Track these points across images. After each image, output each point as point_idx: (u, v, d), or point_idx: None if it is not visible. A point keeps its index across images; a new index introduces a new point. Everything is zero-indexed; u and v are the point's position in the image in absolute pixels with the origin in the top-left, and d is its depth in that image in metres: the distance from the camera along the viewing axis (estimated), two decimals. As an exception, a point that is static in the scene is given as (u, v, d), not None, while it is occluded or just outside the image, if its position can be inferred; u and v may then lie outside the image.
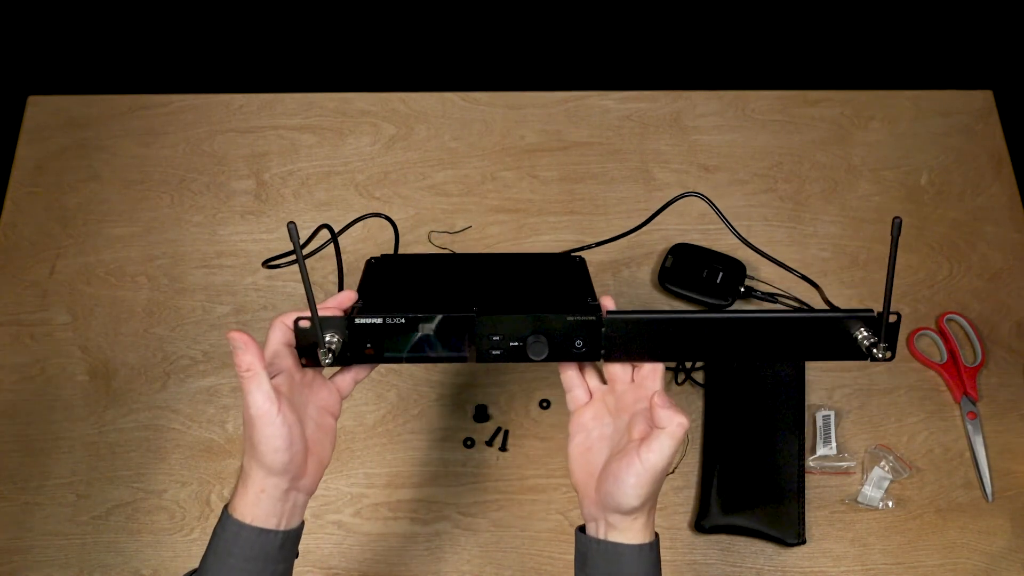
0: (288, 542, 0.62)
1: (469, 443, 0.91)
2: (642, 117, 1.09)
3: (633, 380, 0.67)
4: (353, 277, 0.79)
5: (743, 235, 1.02)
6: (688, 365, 0.95)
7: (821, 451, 0.91)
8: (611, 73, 1.79)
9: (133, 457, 0.90)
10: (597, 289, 0.98)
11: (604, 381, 0.69)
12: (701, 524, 0.87)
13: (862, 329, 0.66)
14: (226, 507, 0.61)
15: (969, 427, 0.92)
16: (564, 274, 0.75)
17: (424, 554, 0.86)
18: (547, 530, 0.87)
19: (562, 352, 0.65)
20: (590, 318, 0.64)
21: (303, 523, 0.64)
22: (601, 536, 0.63)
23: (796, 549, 0.87)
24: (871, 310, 0.66)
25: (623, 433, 0.65)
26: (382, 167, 1.05)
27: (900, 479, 0.90)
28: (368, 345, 0.64)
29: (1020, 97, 1.46)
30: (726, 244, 1.01)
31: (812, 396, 0.94)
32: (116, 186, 1.03)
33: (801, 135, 1.08)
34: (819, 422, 0.92)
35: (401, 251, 1.00)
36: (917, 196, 1.05)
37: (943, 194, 1.05)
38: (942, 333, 0.97)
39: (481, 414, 0.92)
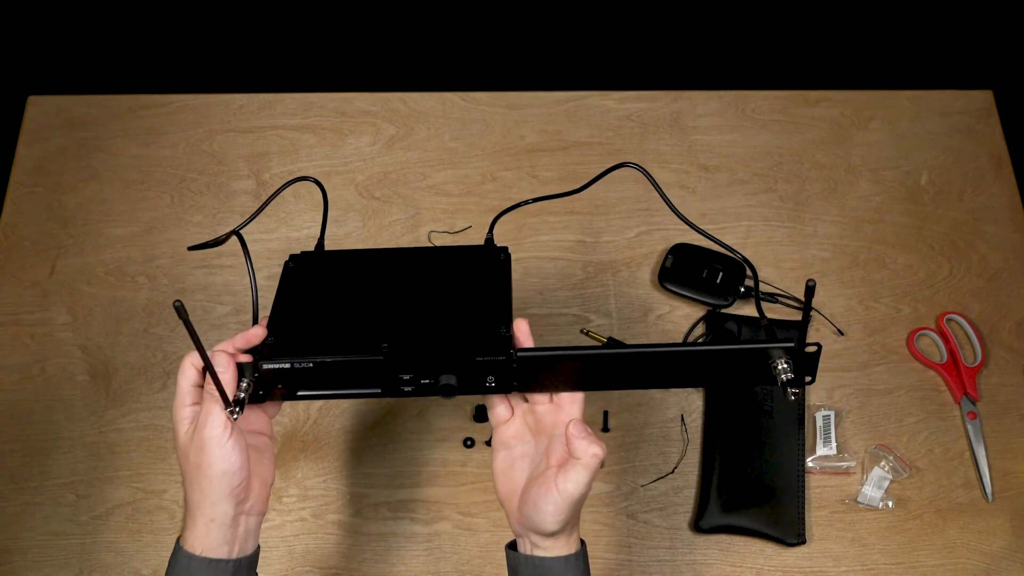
0: (241, 570, 0.63)
1: (469, 443, 0.91)
2: (642, 117, 1.09)
3: (552, 401, 0.66)
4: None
5: (744, 236, 1.02)
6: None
7: (821, 451, 0.91)
8: (611, 73, 1.79)
9: (133, 457, 0.90)
10: (584, 291, 0.98)
11: (526, 399, 0.68)
12: (701, 524, 0.87)
13: (782, 361, 0.63)
14: (178, 540, 0.62)
15: (969, 427, 0.92)
16: (484, 282, 0.71)
17: (424, 554, 0.86)
18: (547, 530, 0.87)
19: (473, 387, 0.64)
20: (499, 358, 0.63)
21: (258, 547, 0.65)
22: (528, 552, 0.64)
23: (796, 549, 0.87)
24: (790, 340, 0.62)
25: (542, 455, 0.65)
26: (382, 167, 1.05)
27: (900, 479, 0.90)
28: (279, 385, 0.64)
29: (1020, 97, 1.46)
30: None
31: (812, 396, 0.94)
32: (116, 186, 1.03)
33: (801, 135, 1.08)
34: (819, 422, 0.92)
35: (403, 243, 1.00)
36: (917, 196, 1.05)
37: (943, 194, 1.05)
38: (942, 333, 0.97)
39: (481, 414, 0.92)
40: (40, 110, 1.07)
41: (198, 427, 0.61)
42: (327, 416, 0.92)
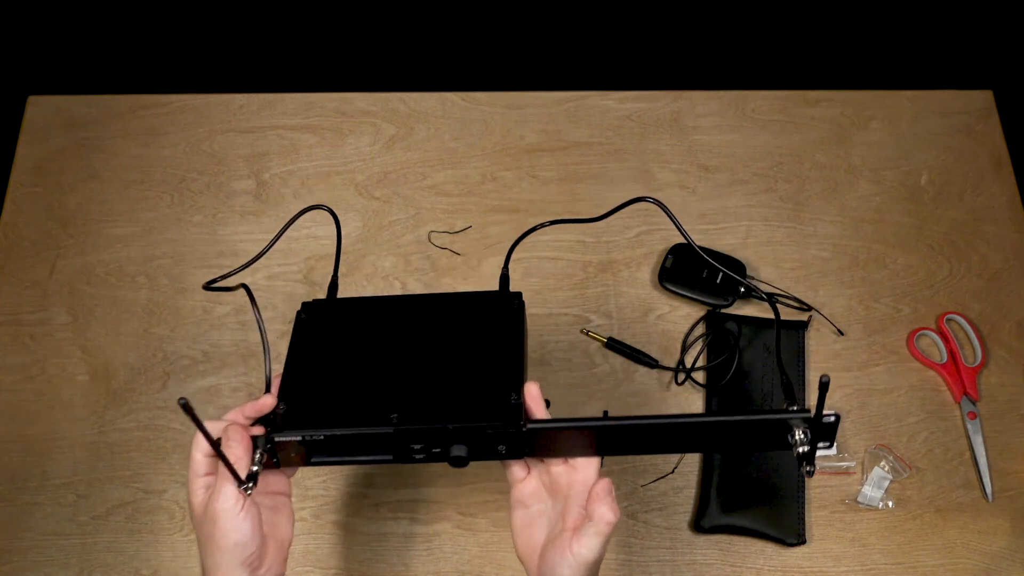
0: None
1: (469, 443, 0.91)
2: (642, 117, 1.09)
3: (567, 462, 0.65)
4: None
5: (744, 236, 1.02)
6: (688, 365, 0.95)
7: (821, 451, 0.91)
8: (611, 73, 1.79)
9: (133, 457, 0.90)
10: (584, 291, 0.98)
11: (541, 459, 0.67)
12: (701, 524, 0.87)
13: (800, 431, 0.62)
14: None
15: (969, 427, 0.92)
16: (496, 337, 0.69)
17: (424, 554, 0.86)
18: (547, 530, 0.87)
19: (485, 454, 0.64)
20: (510, 430, 0.62)
21: None
22: None
23: (796, 549, 0.87)
24: (808, 410, 0.61)
25: (559, 516, 0.64)
26: (382, 167, 1.05)
27: (900, 479, 0.90)
28: (293, 453, 0.64)
29: (1020, 97, 1.46)
30: (726, 244, 1.01)
31: (812, 396, 0.94)
32: (116, 186, 1.03)
33: (801, 135, 1.08)
34: (819, 422, 0.92)
35: (403, 243, 1.00)
36: (917, 196, 1.05)
37: (943, 194, 1.05)
38: (942, 333, 0.97)
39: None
40: (40, 110, 1.07)
41: (211, 499, 0.60)
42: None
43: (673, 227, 1.02)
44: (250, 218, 1.02)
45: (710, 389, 0.93)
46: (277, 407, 0.65)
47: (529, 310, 0.97)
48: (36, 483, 0.89)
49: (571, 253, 1.01)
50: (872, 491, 0.89)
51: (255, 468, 0.61)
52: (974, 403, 0.93)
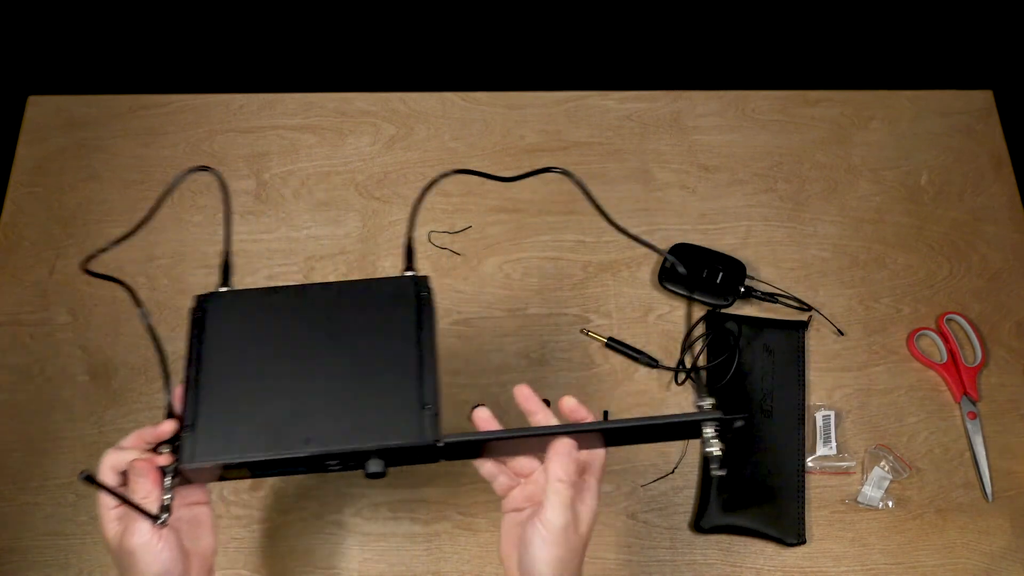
0: None
1: (469, 443, 0.91)
2: (642, 117, 1.09)
3: (543, 464, 0.64)
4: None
5: (744, 236, 1.02)
6: (688, 365, 0.95)
7: (821, 451, 0.91)
8: (611, 73, 1.79)
9: (133, 457, 0.90)
10: (584, 291, 0.98)
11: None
12: (701, 524, 0.87)
13: (711, 427, 0.63)
14: None
15: (969, 427, 0.92)
16: (405, 335, 0.65)
17: (424, 554, 0.86)
18: (547, 530, 0.87)
19: (402, 461, 0.62)
20: (425, 444, 0.61)
21: None
22: None
23: (796, 549, 0.87)
24: (717, 413, 0.63)
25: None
26: (382, 167, 1.05)
27: (900, 479, 0.90)
28: (205, 474, 0.62)
29: (1020, 97, 1.46)
30: (726, 244, 1.01)
31: (812, 396, 0.94)
32: (116, 186, 1.03)
33: (801, 135, 1.08)
34: (819, 422, 0.92)
35: (398, 247, 1.00)
36: (917, 196, 1.05)
37: (943, 194, 1.05)
38: (942, 333, 0.97)
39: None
40: (40, 110, 1.07)
41: (125, 535, 0.58)
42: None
43: (673, 227, 1.02)
44: (250, 218, 1.02)
45: (710, 389, 0.93)
46: (181, 430, 0.61)
47: (529, 310, 0.98)
48: (36, 483, 0.89)
49: (571, 253, 1.01)
50: (872, 491, 0.89)
51: (167, 498, 0.59)
52: (974, 403, 0.93)
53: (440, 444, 0.61)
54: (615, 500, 0.89)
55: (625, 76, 1.78)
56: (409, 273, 0.69)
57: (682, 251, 0.99)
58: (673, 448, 0.91)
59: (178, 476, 0.60)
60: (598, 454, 0.66)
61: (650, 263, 1.00)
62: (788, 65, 1.80)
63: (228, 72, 1.77)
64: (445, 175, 0.74)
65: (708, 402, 0.64)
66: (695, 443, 0.92)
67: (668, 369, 0.95)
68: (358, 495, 0.89)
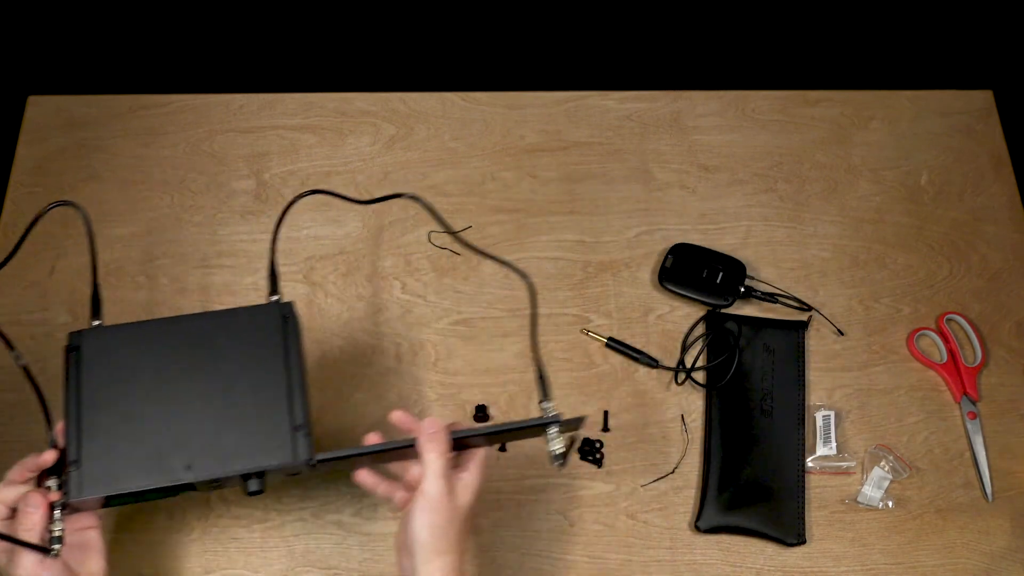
0: None
1: (469, 443, 0.91)
2: (642, 117, 1.09)
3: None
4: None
5: (744, 236, 1.02)
6: (688, 365, 0.95)
7: (821, 451, 0.91)
8: (611, 73, 1.79)
9: (133, 457, 0.90)
10: (584, 291, 0.98)
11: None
12: (701, 524, 0.87)
13: (554, 430, 0.71)
14: None
15: (969, 427, 0.92)
16: (274, 360, 0.69)
17: (424, 554, 0.86)
18: (547, 530, 0.87)
19: (283, 477, 0.69)
20: (297, 462, 0.66)
21: None
22: None
23: (796, 549, 0.87)
24: (557, 416, 0.71)
25: None
26: (382, 167, 1.05)
27: (900, 479, 0.90)
28: (92, 504, 0.66)
29: (1020, 97, 1.46)
30: (726, 244, 1.01)
31: (812, 396, 0.94)
32: (116, 186, 1.03)
33: (801, 135, 1.08)
34: (819, 422, 0.92)
35: (404, 243, 1.00)
36: (917, 196, 1.05)
37: (943, 194, 1.05)
38: (942, 333, 0.97)
39: (481, 414, 0.92)
40: (40, 110, 1.07)
41: (9, 565, 0.61)
42: (327, 415, 0.92)
43: (673, 227, 1.02)
44: (250, 218, 1.02)
45: (710, 389, 0.93)
46: (68, 464, 0.65)
47: (529, 310, 0.97)
48: (36, 483, 0.89)
49: (571, 253, 1.01)
50: (872, 491, 0.89)
51: (57, 531, 0.63)
52: (974, 403, 0.93)
53: (313, 463, 0.66)
54: (615, 500, 0.89)
55: (625, 76, 1.78)
56: (274, 299, 0.73)
57: (682, 251, 0.99)
58: (673, 448, 0.91)
59: (67, 508, 0.64)
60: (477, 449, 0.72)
61: (650, 263, 1.01)
62: (788, 65, 1.80)
63: (228, 72, 1.77)
64: (302, 195, 0.79)
65: (550, 406, 0.72)
66: (695, 443, 0.92)
67: (668, 369, 0.95)
68: (359, 495, 0.89)
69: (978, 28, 1.85)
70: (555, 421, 0.71)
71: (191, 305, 0.97)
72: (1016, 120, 1.22)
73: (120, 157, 1.05)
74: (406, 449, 0.68)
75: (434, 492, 0.65)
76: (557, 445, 0.71)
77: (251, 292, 0.98)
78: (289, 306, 0.71)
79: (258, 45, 1.81)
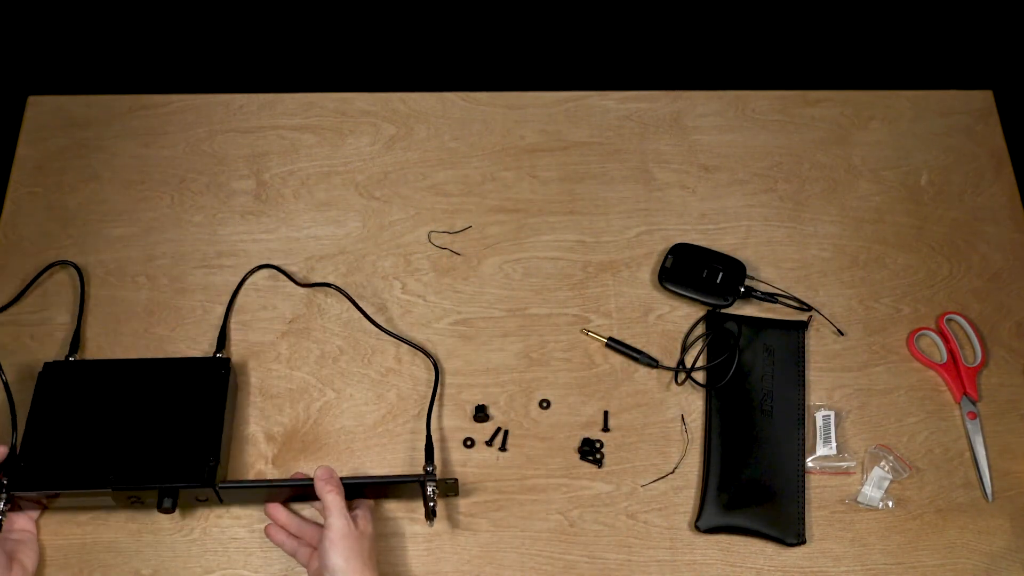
0: None
1: (469, 443, 0.91)
2: (642, 117, 1.09)
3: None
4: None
5: (744, 236, 1.02)
6: (688, 365, 0.95)
7: (821, 451, 0.91)
8: (611, 73, 1.79)
9: (133, 457, 0.90)
10: (584, 291, 0.98)
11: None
12: (700, 524, 0.87)
13: (430, 487, 0.83)
14: None
15: (969, 427, 0.92)
16: (204, 402, 0.86)
17: (424, 554, 0.86)
18: (547, 530, 0.87)
19: (190, 497, 0.84)
20: (205, 488, 0.81)
21: None
22: None
23: (796, 549, 0.87)
24: (425, 474, 0.84)
25: None
26: (382, 167, 1.05)
27: (900, 479, 0.90)
28: (34, 502, 0.83)
29: (1020, 97, 1.46)
30: (726, 244, 1.01)
31: (812, 396, 0.94)
32: (116, 186, 1.03)
33: (801, 135, 1.08)
34: (819, 422, 0.92)
35: (404, 243, 1.00)
36: (917, 196, 1.05)
37: (943, 194, 1.05)
38: (942, 333, 0.97)
39: (481, 414, 0.92)
40: (40, 110, 1.07)
41: None
42: (327, 416, 0.92)
43: (673, 227, 1.02)
44: (250, 218, 1.02)
45: (710, 388, 0.93)
46: (18, 462, 0.81)
47: (529, 310, 0.98)
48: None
49: (571, 253, 1.01)
50: (872, 491, 0.89)
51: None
52: (974, 403, 0.93)
53: (217, 488, 0.81)
54: (615, 500, 0.89)
55: (625, 76, 1.78)
56: (217, 355, 0.91)
57: (682, 251, 0.99)
58: (673, 448, 0.91)
59: (11, 503, 0.81)
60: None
61: (650, 263, 1.01)
62: (788, 65, 1.81)
63: (228, 72, 1.77)
64: (254, 271, 0.98)
65: (430, 468, 0.84)
66: (694, 443, 0.92)
67: (668, 369, 0.95)
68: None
69: (978, 28, 1.85)
70: (431, 479, 0.83)
71: (191, 305, 0.97)
72: (1016, 120, 1.22)
73: (120, 157, 1.05)
74: (304, 490, 0.82)
75: (339, 525, 0.76)
76: (432, 500, 0.82)
77: (251, 292, 0.98)
78: (227, 362, 0.89)
79: (258, 45, 1.81)
